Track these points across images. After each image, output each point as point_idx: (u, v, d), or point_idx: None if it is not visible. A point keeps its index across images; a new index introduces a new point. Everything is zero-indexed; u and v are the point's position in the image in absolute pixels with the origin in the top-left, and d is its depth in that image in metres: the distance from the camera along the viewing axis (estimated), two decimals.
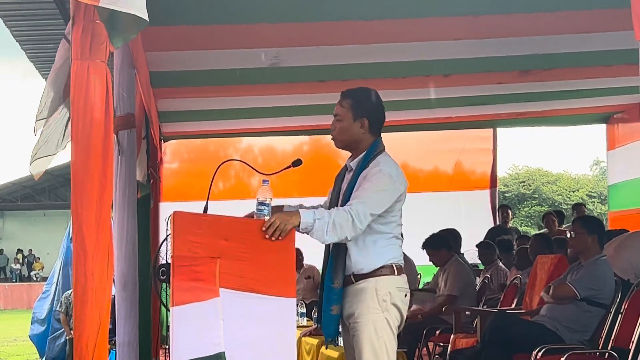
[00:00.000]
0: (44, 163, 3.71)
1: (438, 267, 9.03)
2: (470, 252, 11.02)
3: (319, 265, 10.89)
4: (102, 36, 3.04)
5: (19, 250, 42.02)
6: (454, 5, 5.92)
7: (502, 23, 6.40)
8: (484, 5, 5.96)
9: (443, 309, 8.29)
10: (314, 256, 10.50)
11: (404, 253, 4.60)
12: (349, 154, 4.61)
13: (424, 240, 8.91)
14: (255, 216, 4.10)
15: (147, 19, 2.88)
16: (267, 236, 3.92)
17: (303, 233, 4.10)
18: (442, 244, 8.81)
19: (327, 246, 4.51)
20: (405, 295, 4.47)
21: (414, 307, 8.71)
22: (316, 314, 7.82)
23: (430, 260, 8.92)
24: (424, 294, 9.33)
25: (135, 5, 2.84)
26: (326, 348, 4.47)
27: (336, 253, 4.37)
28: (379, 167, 4.36)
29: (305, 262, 11.27)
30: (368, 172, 4.36)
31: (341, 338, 4.65)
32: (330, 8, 5.93)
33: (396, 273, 4.40)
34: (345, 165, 4.60)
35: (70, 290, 11.31)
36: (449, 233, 9.62)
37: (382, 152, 4.47)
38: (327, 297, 4.40)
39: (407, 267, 4.78)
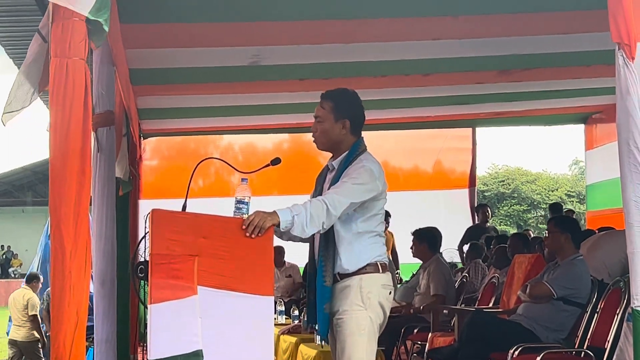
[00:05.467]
0: (16, 114, 3.69)
1: (418, 265, 9.06)
2: (448, 251, 11.07)
3: (300, 263, 11.02)
4: (81, 34, 3.05)
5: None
6: (433, 5, 5.95)
7: (482, 23, 6.43)
8: (463, 5, 5.98)
9: (422, 307, 8.32)
10: (296, 254, 10.58)
11: None
12: (330, 154, 4.65)
13: (416, 229, 8.91)
14: (234, 215, 4.11)
15: (87, 14, 2.90)
16: (247, 234, 3.93)
17: (284, 231, 4.13)
18: (427, 240, 8.79)
19: (312, 246, 4.55)
20: (390, 293, 4.51)
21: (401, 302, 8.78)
22: (304, 314, 7.86)
23: (410, 248, 8.92)
24: (405, 289, 9.36)
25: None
26: (322, 347, 4.50)
27: (325, 253, 4.40)
28: (361, 163, 4.41)
29: (287, 260, 11.30)
30: (350, 168, 4.40)
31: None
32: (311, 7, 5.94)
33: (381, 271, 4.45)
34: (327, 165, 4.63)
35: None
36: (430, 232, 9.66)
37: (365, 152, 4.50)
38: (321, 295, 4.42)
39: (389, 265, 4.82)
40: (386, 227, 11.65)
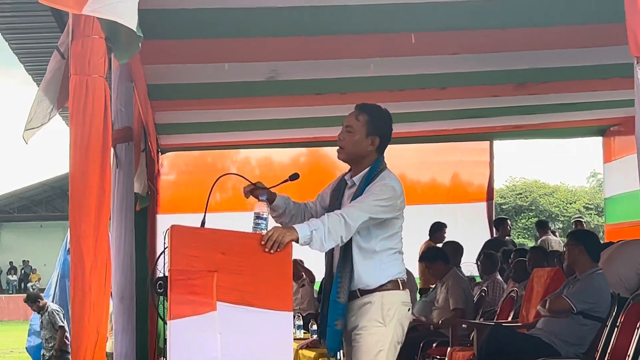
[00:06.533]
0: (36, 131, 3.71)
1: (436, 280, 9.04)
2: (466, 265, 11.01)
3: (317, 271, 11.00)
4: (100, 51, 3.07)
5: (11, 263, 41.91)
6: (450, 20, 5.95)
7: (499, 37, 6.43)
8: (480, 20, 5.98)
9: (440, 321, 8.29)
10: (314, 268, 10.59)
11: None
12: (347, 166, 4.65)
13: (421, 254, 8.91)
14: (252, 230, 4.12)
15: (135, 28, 2.88)
16: (266, 249, 3.94)
17: (303, 246, 4.14)
18: (439, 257, 8.80)
19: (331, 261, 4.55)
20: (408, 310, 4.53)
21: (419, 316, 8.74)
22: (316, 326, 7.86)
23: (428, 273, 8.92)
24: (423, 303, 9.33)
25: (119, 12, 2.85)
26: None
27: (342, 270, 4.40)
28: (384, 180, 4.41)
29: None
30: (373, 185, 4.40)
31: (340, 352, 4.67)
32: (328, 22, 5.95)
33: (401, 288, 4.46)
34: (344, 180, 4.61)
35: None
36: (450, 245, 9.63)
37: (385, 169, 4.51)
38: (333, 311, 4.43)
39: (408, 281, 4.82)
40: (443, 238, 11.72)
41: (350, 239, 4.35)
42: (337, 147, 4.58)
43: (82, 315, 2.99)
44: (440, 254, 8.85)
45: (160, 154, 11.83)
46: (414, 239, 11.64)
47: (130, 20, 2.86)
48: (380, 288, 4.40)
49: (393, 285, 4.43)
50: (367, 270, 4.40)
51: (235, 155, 13.25)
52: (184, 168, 13.23)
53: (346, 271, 4.40)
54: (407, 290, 4.52)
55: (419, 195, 13.20)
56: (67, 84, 3.20)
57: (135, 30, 2.87)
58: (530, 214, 41.89)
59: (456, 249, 9.74)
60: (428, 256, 8.82)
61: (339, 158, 4.62)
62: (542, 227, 13.87)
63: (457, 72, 7.58)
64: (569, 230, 9.93)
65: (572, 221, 16.26)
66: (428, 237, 11.91)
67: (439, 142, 12.97)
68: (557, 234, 14.00)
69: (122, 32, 2.95)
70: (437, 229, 11.92)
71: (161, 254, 4.22)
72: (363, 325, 4.39)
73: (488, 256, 10.10)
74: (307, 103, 8.85)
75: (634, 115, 3.42)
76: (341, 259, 4.41)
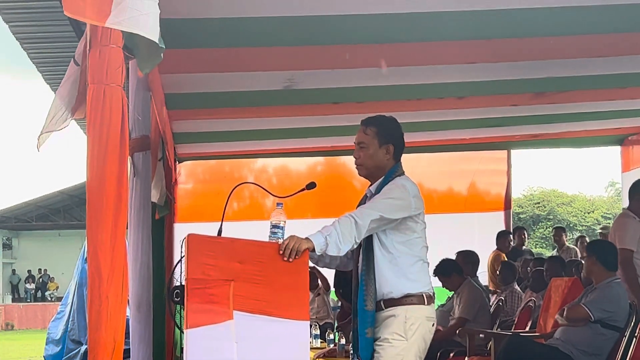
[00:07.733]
0: (49, 136, 3.71)
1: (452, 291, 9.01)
2: (484, 274, 10.98)
3: (331, 279, 10.99)
4: (118, 60, 3.07)
5: (29, 271, 42.04)
6: (468, 29, 5.94)
7: (517, 46, 6.41)
8: (498, 29, 5.97)
9: (457, 331, 8.27)
10: (329, 271, 10.56)
11: None
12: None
13: (434, 267, 8.85)
14: (269, 239, 4.12)
15: (157, 40, 2.88)
16: (284, 258, 3.94)
17: (320, 254, 4.15)
18: (453, 269, 8.77)
19: (356, 268, 4.54)
20: (433, 325, 4.52)
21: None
22: (339, 337, 7.85)
23: (443, 286, 8.89)
24: (440, 313, 9.31)
25: (142, 25, 2.85)
26: None
27: (366, 276, 4.41)
28: (395, 182, 4.42)
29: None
30: (384, 188, 4.42)
31: None
32: (345, 31, 5.95)
33: (426, 303, 4.46)
34: (366, 193, 4.64)
35: None
36: (463, 255, 9.60)
37: (402, 175, 4.51)
38: (362, 319, 4.44)
39: None
40: (509, 245, 11.82)
41: (372, 246, 4.37)
42: (356, 166, 4.60)
43: (99, 324, 2.99)
44: (453, 267, 8.81)
45: (177, 162, 11.85)
46: (431, 248, 11.62)
47: (152, 32, 2.86)
48: (405, 301, 4.40)
49: (418, 300, 4.43)
50: (389, 276, 4.40)
51: (253, 164, 13.25)
52: (201, 177, 13.25)
53: (370, 277, 4.41)
54: (433, 305, 4.52)
55: (435, 205, 13.15)
56: (83, 93, 3.21)
57: (157, 42, 2.88)
58: (548, 223, 41.76)
59: (470, 259, 9.69)
60: (442, 270, 8.78)
61: (360, 175, 4.65)
62: (562, 231, 13.80)
63: (475, 81, 7.56)
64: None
65: (598, 231, 16.17)
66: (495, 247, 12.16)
67: (456, 151, 12.93)
68: (586, 238, 13.87)
69: (142, 42, 2.95)
70: (501, 236, 12.20)
71: (178, 262, 4.22)
72: (384, 337, 4.40)
73: (507, 266, 10.07)
74: (324, 112, 8.85)
75: None
76: (364, 266, 4.42)
